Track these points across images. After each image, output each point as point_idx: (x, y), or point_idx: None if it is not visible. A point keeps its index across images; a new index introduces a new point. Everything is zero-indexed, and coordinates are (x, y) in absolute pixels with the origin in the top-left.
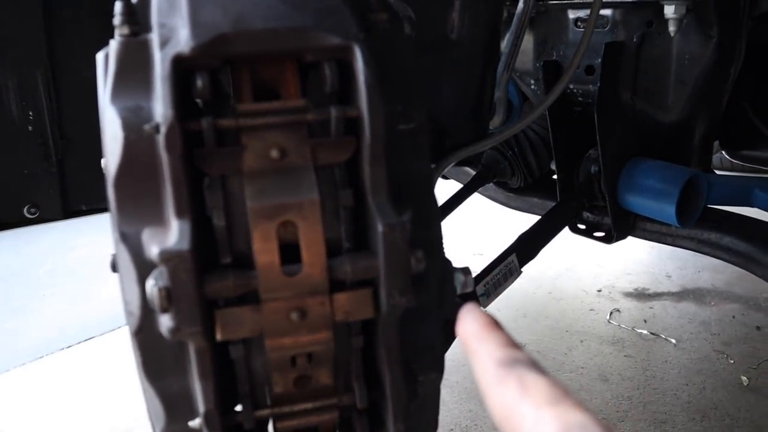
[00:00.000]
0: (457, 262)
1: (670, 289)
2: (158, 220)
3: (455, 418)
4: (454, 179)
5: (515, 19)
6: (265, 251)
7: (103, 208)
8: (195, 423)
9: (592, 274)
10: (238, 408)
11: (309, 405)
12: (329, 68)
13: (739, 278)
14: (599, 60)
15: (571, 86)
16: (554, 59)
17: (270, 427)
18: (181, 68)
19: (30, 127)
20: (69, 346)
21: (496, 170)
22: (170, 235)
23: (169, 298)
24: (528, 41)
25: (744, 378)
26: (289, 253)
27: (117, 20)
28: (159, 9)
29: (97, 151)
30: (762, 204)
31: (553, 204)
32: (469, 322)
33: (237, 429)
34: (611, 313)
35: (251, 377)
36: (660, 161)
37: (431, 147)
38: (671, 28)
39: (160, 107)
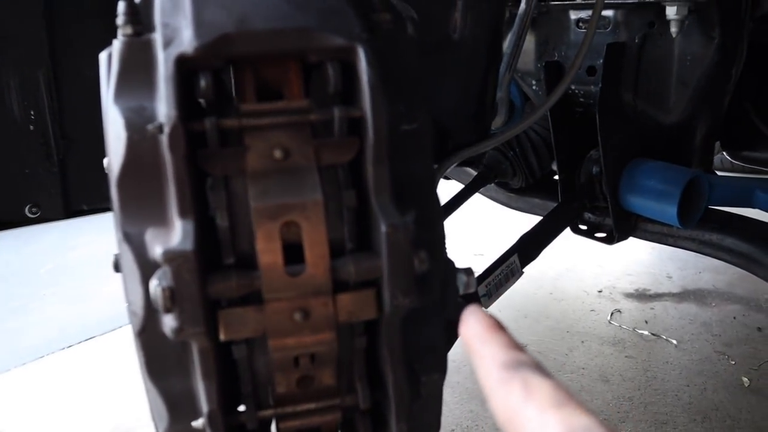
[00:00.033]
0: (458, 263)
1: (671, 289)
2: (161, 220)
3: (456, 418)
4: (456, 179)
5: (517, 19)
6: (268, 251)
7: (104, 208)
8: (198, 423)
9: (593, 274)
10: (241, 408)
11: (312, 405)
12: (332, 68)
13: (741, 279)
14: (601, 61)
15: (573, 87)
16: (556, 60)
17: (273, 427)
18: (185, 68)
19: (31, 127)
20: (70, 346)
21: (497, 170)
22: (174, 235)
23: (173, 299)
24: (529, 42)
25: (745, 379)
26: (293, 253)
27: (120, 20)
28: (162, 9)
29: (98, 151)
30: (763, 205)
31: (555, 204)
32: (472, 324)
33: (240, 429)
34: (612, 314)
35: (254, 377)
36: (661, 162)
37: (434, 147)
38: (673, 29)
39: (164, 107)
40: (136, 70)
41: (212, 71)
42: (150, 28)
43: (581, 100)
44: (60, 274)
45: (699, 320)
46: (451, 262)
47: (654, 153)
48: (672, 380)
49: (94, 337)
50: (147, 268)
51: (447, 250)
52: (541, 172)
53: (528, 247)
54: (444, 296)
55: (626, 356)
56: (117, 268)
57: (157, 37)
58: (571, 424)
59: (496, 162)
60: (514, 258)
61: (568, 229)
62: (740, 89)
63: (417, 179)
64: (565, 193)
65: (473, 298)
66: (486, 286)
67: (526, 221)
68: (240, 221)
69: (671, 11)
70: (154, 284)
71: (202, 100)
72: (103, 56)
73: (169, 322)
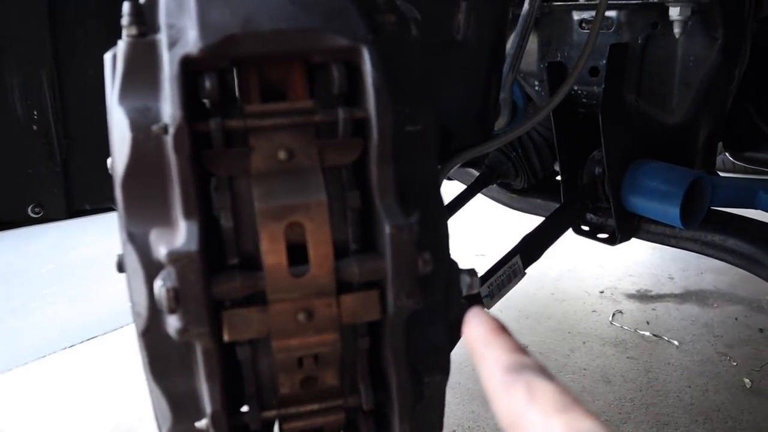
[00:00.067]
0: (460, 263)
1: (673, 290)
2: (166, 220)
3: (458, 419)
4: (458, 180)
5: (520, 20)
6: (272, 252)
7: (107, 208)
8: (201, 424)
9: (595, 275)
10: (245, 409)
11: (315, 406)
12: (337, 69)
13: (742, 280)
14: (604, 61)
15: (576, 88)
16: (558, 60)
17: (276, 427)
18: (190, 69)
19: (34, 127)
20: (71, 346)
21: (499, 171)
22: (178, 235)
23: (177, 299)
24: (532, 42)
25: (747, 380)
26: (297, 254)
27: (125, 21)
28: (167, 10)
29: (101, 151)
30: (765, 206)
31: (557, 205)
32: (475, 326)
33: (243, 430)
34: (613, 315)
35: (258, 378)
36: (664, 163)
37: (437, 148)
38: (676, 30)
39: (169, 108)
40: (141, 70)
41: (217, 72)
42: (155, 28)
43: (584, 100)
44: (61, 274)
45: (701, 321)
46: (454, 263)
47: (657, 154)
48: (673, 381)
49: (95, 336)
50: (151, 268)
51: (450, 251)
52: (544, 172)
53: (530, 248)
54: (447, 297)
55: (628, 357)
56: (120, 268)
57: (162, 38)
58: (575, 428)
59: (499, 162)
60: (517, 259)
61: (569, 230)
62: (743, 90)
63: (421, 180)
64: (568, 194)
65: (476, 299)
66: (488, 287)
67: (528, 222)
68: (244, 222)
69: (674, 12)
70: (158, 285)
71: (206, 101)
72: (107, 57)
73: (173, 323)
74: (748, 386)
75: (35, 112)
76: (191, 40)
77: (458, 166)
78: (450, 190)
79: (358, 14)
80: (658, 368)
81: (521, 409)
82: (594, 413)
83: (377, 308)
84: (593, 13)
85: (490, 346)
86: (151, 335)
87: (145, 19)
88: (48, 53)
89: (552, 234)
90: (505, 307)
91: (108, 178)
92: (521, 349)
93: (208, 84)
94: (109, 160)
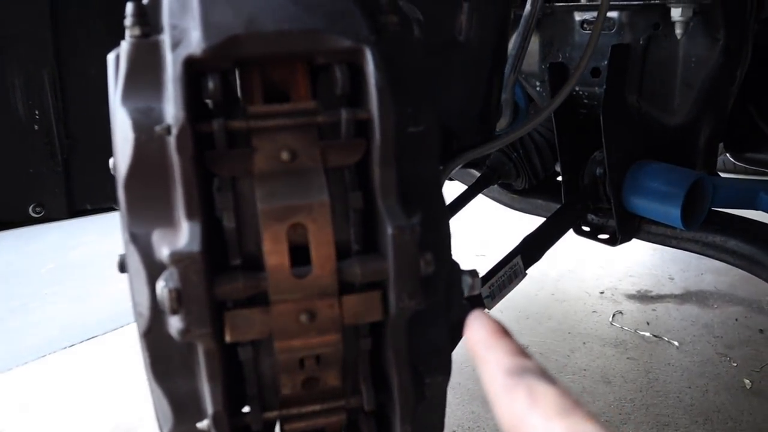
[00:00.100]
0: (462, 264)
1: (673, 291)
2: (168, 221)
3: (458, 419)
4: (459, 180)
5: (522, 20)
6: (275, 253)
7: (108, 208)
8: (203, 424)
9: (595, 276)
10: (246, 409)
11: (317, 407)
12: (340, 71)
13: (742, 281)
14: (605, 62)
15: (577, 88)
16: (560, 61)
17: (277, 428)
18: (193, 70)
19: (36, 126)
20: (71, 345)
21: (501, 172)
22: (181, 236)
23: (180, 300)
24: (534, 43)
25: (747, 381)
26: (299, 255)
27: (128, 21)
28: (170, 10)
29: (102, 151)
30: (767, 207)
31: (558, 206)
32: (476, 329)
33: (245, 430)
34: (614, 315)
35: (259, 379)
36: (665, 164)
37: (439, 149)
38: (678, 31)
39: (172, 109)
40: (144, 71)
41: (220, 73)
42: (158, 29)
43: (585, 101)
44: (61, 274)
45: (701, 322)
46: (456, 264)
47: (658, 155)
48: (673, 382)
49: (95, 336)
50: (154, 269)
51: (452, 252)
52: (545, 173)
53: (531, 249)
54: (449, 298)
55: (628, 358)
56: (122, 268)
57: (166, 39)
58: None
59: (500, 163)
60: (518, 259)
61: (570, 231)
62: (744, 91)
63: (423, 181)
64: (569, 195)
65: (477, 300)
66: (489, 288)
67: (528, 222)
68: (247, 223)
69: (676, 13)
70: (160, 285)
71: (209, 102)
72: (111, 57)
73: (175, 324)
74: (748, 387)
75: (37, 112)
76: (194, 41)
77: (460, 166)
78: (451, 190)
79: (361, 15)
80: (658, 369)
81: (522, 412)
82: (595, 417)
83: (379, 309)
84: (595, 13)
85: (491, 349)
86: (153, 336)
87: (148, 20)
88: (50, 53)
89: (553, 235)
90: (505, 307)
91: (109, 178)
92: (523, 352)
93: (211, 85)
94: (110, 161)
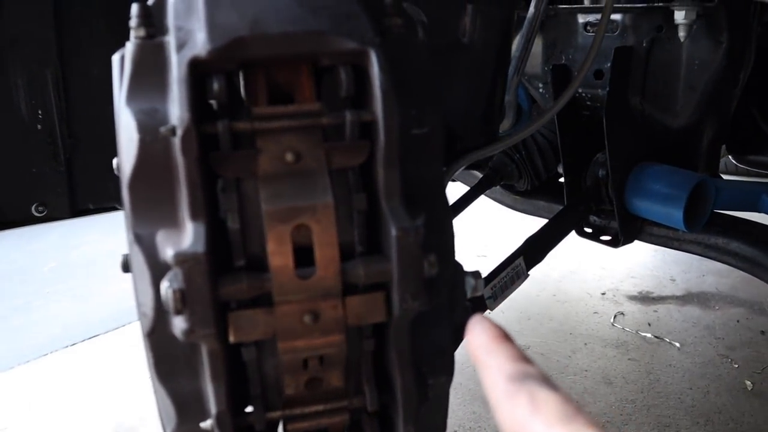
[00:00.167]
0: (464, 265)
1: (675, 292)
2: (173, 222)
3: (459, 419)
4: (461, 181)
5: (526, 23)
6: (279, 254)
7: (110, 207)
8: (206, 424)
9: (596, 277)
10: (249, 409)
11: (320, 407)
12: (345, 72)
13: (744, 282)
14: (608, 64)
15: (580, 90)
16: (563, 63)
17: (280, 428)
18: (198, 71)
19: (39, 126)
20: (73, 344)
21: (503, 173)
22: (185, 237)
23: (184, 300)
24: (537, 45)
25: (748, 382)
26: (303, 256)
27: (133, 22)
28: (176, 12)
29: (105, 151)
30: None
31: (560, 207)
32: (478, 333)
33: (248, 430)
34: (615, 316)
35: (263, 379)
36: (668, 166)
37: (443, 151)
38: (681, 34)
39: (177, 110)
40: (149, 72)
41: (225, 74)
42: (163, 30)
43: (588, 103)
44: (64, 273)
45: (702, 323)
46: (459, 265)
47: (661, 157)
48: (675, 383)
49: (97, 335)
50: (158, 269)
51: (455, 253)
52: (547, 174)
53: (534, 250)
54: (452, 299)
55: (629, 359)
56: (126, 268)
57: (171, 40)
58: None
59: (502, 164)
60: (520, 261)
61: (572, 232)
62: (747, 93)
63: (427, 182)
64: (571, 196)
65: (480, 301)
66: (492, 289)
67: (529, 222)
68: (251, 224)
69: (679, 16)
70: (165, 286)
71: (214, 103)
72: (115, 58)
73: (179, 324)
74: (749, 388)
75: (40, 112)
76: (199, 43)
77: (463, 168)
78: (453, 191)
79: (365, 17)
80: (659, 370)
81: (524, 419)
82: (597, 423)
83: (383, 310)
84: (598, 16)
85: (492, 354)
86: (157, 336)
87: (153, 21)
88: (53, 53)
89: (555, 236)
90: (507, 308)
91: (111, 177)
92: (524, 358)
93: (216, 86)
94: (114, 161)
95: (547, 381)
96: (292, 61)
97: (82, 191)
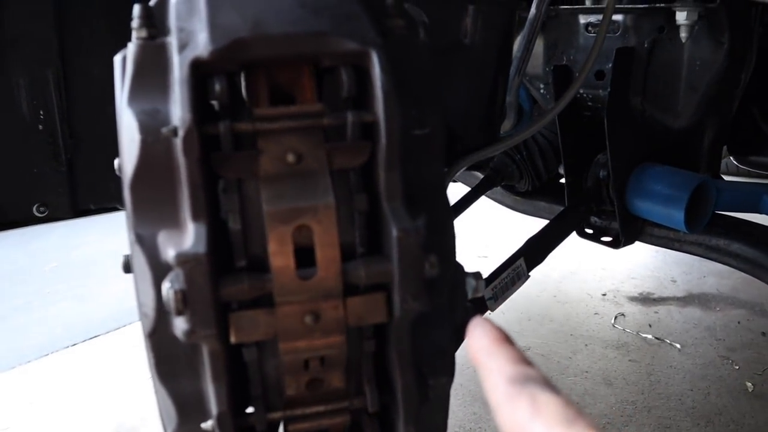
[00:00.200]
0: (465, 266)
1: (675, 293)
2: (174, 222)
3: (459, 420)
4: (462, 182)
5: (527, 23)
6: (280, 255)
7: (112, 207)
8: (207, 425)
9: (597, 277)
10: (250, 410)
11: (321, 408)
12: (346, 73)
13: (745, 284)
14: (609, 65)
15: (581, 91)
16: (564, 64)
17: (281, 429)
18: (199, 72)
19: (40, 126)
20: (73, 345)
21: (504, 173)
22: (186, 238)
23: (185, 301)
24: (538, 45)
25: (749, 384)
26: (304, 256)
27: (135, 23)
28: (177, 13)
29: (106, 151)
30: None
31: (561, 208)
32: (478, 336)
33: (249, 431)
34: (616, 317)
35: (264, 380)
36: (669, 167)
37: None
38: (683, 34)
39: (178, 111)
40: (151, 73)
41: (226, 75)
42: (164, 31)
43: (589, 104)
44: (64, 273)
45: (703, 324)
46: (460, 266)
47: (662, 157)
48: (675, 384)
49: (98, 335)
50: (159, 270)
51: (456, 254)
52: (548, 175)
53: (534, 251)
54: (453, 300)
55: (630, 360)
56: (127, 268)
57: (172, 41)
58: None
59: (503, 165)
60: (521, 261)
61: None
62: (748, 94)
63: (428, 183)
64: (572, 197)
65: (480, 302)
66: (492, 290)
67: (530, 223)
68: (252, 224)
69: (681, 16)
70: (166, 287)
71: (215, 104)
72: (117, 59)
73: (180, 325)
74: (750, 390)
75: (41, 112)
76: (201, 44)
77: (464, 168)
78: (454, 192)
79: (367, 18)
80: (660, 371)
81: (525, 421)
82: (598, 426)
83: (383, 311)
84: (600, 16)
85: (493, 356)
86: (158, 336)
87: (155, 22)
88: (54, 53)
89: (556, 237)
90: (507, 309)
91: (113, 177)
92: (525, 360)
93: (217, 87)
94: (115, 161)
95: (548, 384)
96: (293, 62)
97: (83, 191)
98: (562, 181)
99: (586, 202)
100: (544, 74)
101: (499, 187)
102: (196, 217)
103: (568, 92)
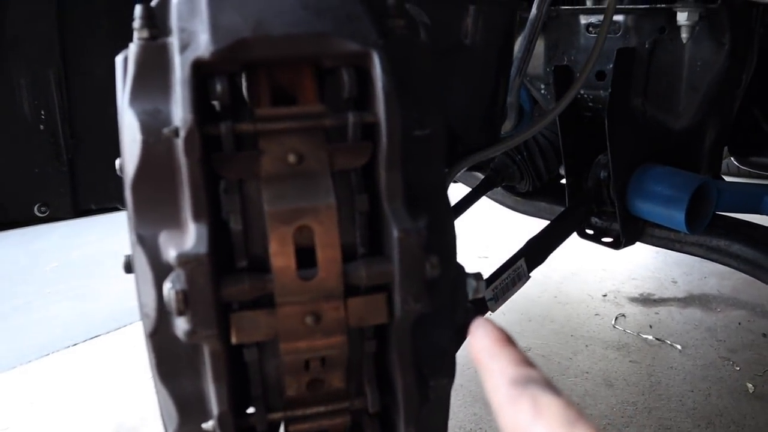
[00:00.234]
0: (465, 266)
1: (676, 294)
2: (175, 223)
3: (459, 421)
4: (462, 183)
5: (528, 24)
6: (281, 255)
7: (112, 208)
8: (208, 425)
9: (598, 278)
10: (251, 410)
11: (321, 408)
12: (347, 74)
13: (746, 285)
14: (610, 65)
15: (582, 91)
16: (565, 64)
17: (282, 429)
18: (201, 72)
19: (41, 126)
20: (74, 344)
21: (504, 174)
22: (188, 238)
23: (186, 302)
24: (539, 46)
25: (750, 385)
26: (305, 257)
27: (137, 24)
28: (179, 13)
29: (107, 151)
30: None
31: (561, 209)
32: (480, 336)
33: (249, 431)
34: (616, 318)
35: (264, 380)
36: (670, 167)
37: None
38: (684, 35)
39: (180, 111)
40: (152, 73)
41: (228, 75)
42: (166, 32)
43: (590, 104)
44: (65, 273)
45: (704, 325)
46: (461, 267)
47: (663, 158)
48: (676, 385)
49: (98, 335)
50: (160, 270)
51: (457, 255)
52: (549, 175)
53: (535, 252)
54: (453, 301)
55: (630, 361)
56: (128, 269)
57: (174, 41)
58: None
59: (504, 165)
60: (521, 262)
61: (574, 233)
62: (749, 95)
63: (429, 184)
64: (573, 198)
65: (481, 303)
66: (493, 290)
67: (530, 224)
68: (253, 225)
69: (682, 17)
70: (167, 287)
71: (216, 104)
72: (119, 59)
73: (181, 325)
74: (750, 391)
75: (42, 112)
76: (203, 44)
77: (464, 169)
78: (455, 192)
79: (368, 19)
80: (660, 372)
81: (526, 423)
82: (599, 428)
83: (384, 312)
84: (600, 17)
85: (495, 357)
86: (159, 337)
87: (157, 22)
88: (56, 53)
89: (556, 237)
90: (508, 309)
91: (114, 178)
92: (527, 362)
93: (219, 87)
94: (117, 161)
95: (549, 385)
96: (294, 63)
97: (85, 191)
98: (563, 181)
99: (586, 202)
100: (544, 75)
101: (499, 188)
102: (197, 218)
103: (569, 93)
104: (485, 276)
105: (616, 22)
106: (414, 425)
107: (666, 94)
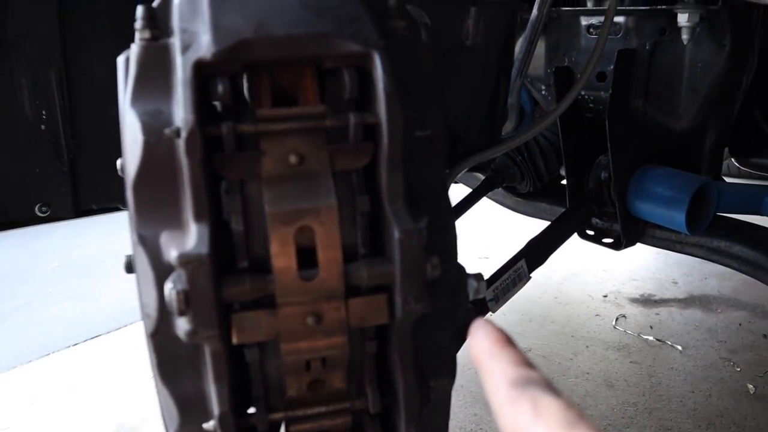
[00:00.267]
0: (466, 267)
1: (677, 295)
2: (177, 223)
3: (460, 422)
4: (463, 183)
5: (529, 25)
6: (282, 256)
7: (113, 208)
8: (209, 425)
9: (598, 279)
10: (252, 410)
11: (322, 409)
12: (348, 75)
13: (746, 286)
14: (611, 67)
15: (583, 93)
16: (566, 65)
17: (282, 429)
18: (202, 73)
19: (42, 126)
20: (75, 344)
21: (505, 175)
22: (189, 238)
23: (187, 302)
24: (540, 47)
25: (750, 386)
26: (306, 257)
27: (138, 24)
28: (180, 14)
29: (108, 151)
30: None
31: (562, 209)
32: (480, 337)
33: (250, 431)
34: (617, 319)
35: (265, 380)
36: (670, 168)
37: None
38: (684, 36)
39: (181, 112)
40: (154, 74)
41: (229, 76)
42: (167, 32)
43: (591, 105)
44: (66, 273)
45: (704, 326)
46: (461, 268)
47: (663, 159)
48: (677, 386)
49: (99, 335)
50: (161, 270)
51: (458, 255)
52: (549, 176)
53: (536, 252)
54: (454, 301)
55: (631, 361)
56: (129, 269)
57: (176, 42)
58: None
59: (505, 166)
60: (522, 263)
61: (573, 234)
62: (750, 96)
63: (430, 185)
64: (573, 199)
65: (481, 303)
66: (494, 291)
67: (531, 224)
68: (254, 225)
69: (683, 18)
70: (168, 287)
71: (218, 104)
72: (120, 60)
73: (182, 325)
74: (751, 392)
75: (43, 112)
76: (204, 45)
77: (465, 170)
78: (455, 193)
79: (369, 20)
80: (661, 373)
81: (526, 425)
82: (599, 429)
83: (385, 312)
84: (601, 18)
85: (495, 358)
86: (161, 337)
87: (158, 23)
88: (57, 53)
89: (557, 238)
90: (508, 310)
91: (115, 178)
92: (527, 363)
93: (220, 88)
94: (118, 161)
95: (549, 386)
96: (296, 64)
97: (86, 191)
98: (564, 182)
99: (587, 203)
100: (545, 76)
101: (500, 189)
102: (198, 218)
103: (569, 94)
104: (486, 276)
105: (616, 24)
106: (415, 425)
107: (666, 95)
